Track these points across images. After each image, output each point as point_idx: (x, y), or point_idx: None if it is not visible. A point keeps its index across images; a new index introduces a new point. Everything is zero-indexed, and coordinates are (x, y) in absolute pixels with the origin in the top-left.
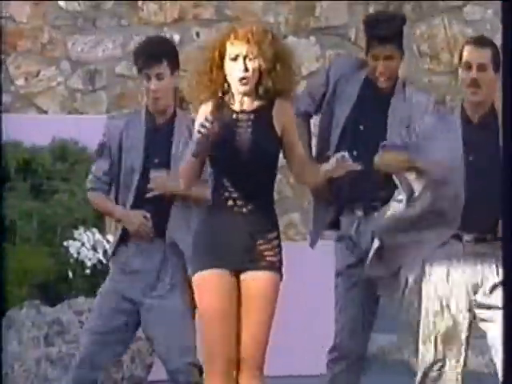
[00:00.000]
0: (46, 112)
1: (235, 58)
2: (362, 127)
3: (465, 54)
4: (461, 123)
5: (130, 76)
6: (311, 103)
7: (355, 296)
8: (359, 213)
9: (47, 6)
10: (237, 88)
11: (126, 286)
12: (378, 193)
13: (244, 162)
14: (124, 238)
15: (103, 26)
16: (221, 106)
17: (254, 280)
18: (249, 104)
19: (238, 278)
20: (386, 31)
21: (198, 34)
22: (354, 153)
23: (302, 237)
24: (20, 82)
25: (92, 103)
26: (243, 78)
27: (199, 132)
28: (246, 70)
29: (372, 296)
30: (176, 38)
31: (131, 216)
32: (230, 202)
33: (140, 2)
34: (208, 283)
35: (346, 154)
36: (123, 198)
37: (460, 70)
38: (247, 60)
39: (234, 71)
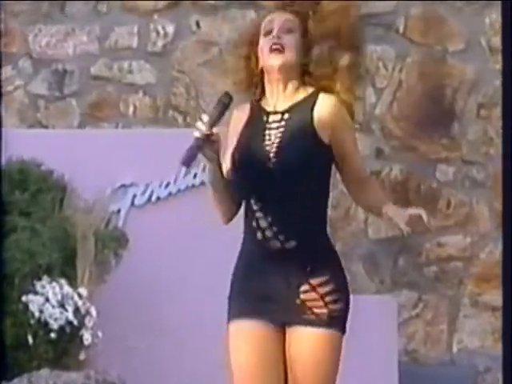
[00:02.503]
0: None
1: (269, 32)
2: None
3: None
4: None
5: (109, 78)
6: None
7: None
8: None
9: None
10: (268, 64)
11: None
12: None
13: (272, 179)
14: None
15: (75, 12)
16: (254, 107)
17: (298, 339)
18: (284, 100)
19: (283, 331)
20: None
21: (198, 24)
22: None
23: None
24: None
25: (60, 114)
26: (275, 44)
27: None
28: (279, 37)
29: None
30: (169, 29)
31: None
32: (260, 235)
33: None
34: (241, 335)
35: (424, 213)
36: None
37: None
38: (283, 30)
39: (265, 45)
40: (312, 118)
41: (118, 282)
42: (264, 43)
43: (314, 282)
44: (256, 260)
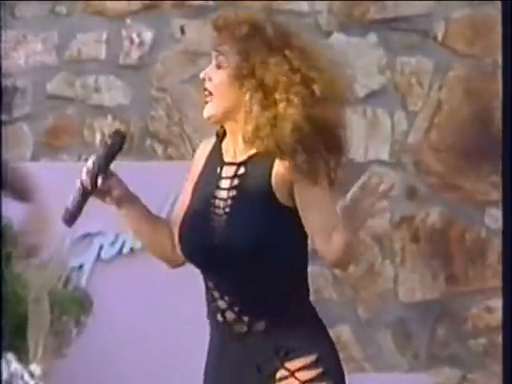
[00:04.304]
0: None
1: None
2: None
3: None
4: None
5: (70, 98)
6: None
7: None
8: None
9: None
10: None
11: None
12: None
13: (218, 257)
14: None
15: (27, 15)
16: (215, 148)
17: None
18: (245, 149)
19: None
20: None
21: (182, 30)
22: None
23: (356, 365)
24: None
25: (9, 142)
26: (204, 90)
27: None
28: (204, 80)
29: None
30: (147, 36)
31: None
32: (220, 317)
33: None
34: None
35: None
36: None
37: None
38: (213, 67)
39: None
40: (270, 174)
41: (79, 357)
42: None
43: (290, 365)
44: (221, 348)
